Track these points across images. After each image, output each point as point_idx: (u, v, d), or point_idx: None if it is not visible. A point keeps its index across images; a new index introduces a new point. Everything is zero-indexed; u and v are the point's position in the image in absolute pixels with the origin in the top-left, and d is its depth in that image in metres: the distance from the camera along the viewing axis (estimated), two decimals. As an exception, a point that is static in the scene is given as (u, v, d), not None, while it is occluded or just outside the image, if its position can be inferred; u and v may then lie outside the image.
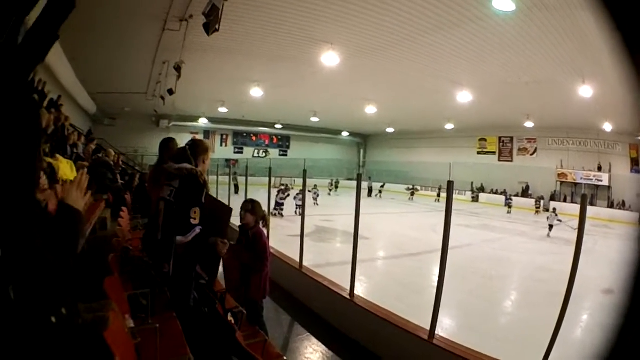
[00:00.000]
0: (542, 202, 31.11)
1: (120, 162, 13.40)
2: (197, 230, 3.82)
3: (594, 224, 23.65)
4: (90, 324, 2.21)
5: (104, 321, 2.32)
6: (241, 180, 14.31)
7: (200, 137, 35.13)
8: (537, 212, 29.61)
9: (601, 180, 30.57)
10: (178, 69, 16.18)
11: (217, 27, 10.12)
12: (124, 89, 23.14)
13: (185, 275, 3.89)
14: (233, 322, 4.16)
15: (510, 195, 33.71)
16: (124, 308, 3.27)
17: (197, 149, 4.05)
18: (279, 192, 19.44)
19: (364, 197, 30.40)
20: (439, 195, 33.55)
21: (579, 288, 8.70)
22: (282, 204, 19.59)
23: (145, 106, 27.09)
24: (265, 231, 5.27)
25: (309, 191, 19.06)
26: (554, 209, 20.86)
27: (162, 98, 20.81)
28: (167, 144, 5.21)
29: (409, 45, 16.30)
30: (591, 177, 31.06)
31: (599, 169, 30.66)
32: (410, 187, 36.22)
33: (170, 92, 19.06)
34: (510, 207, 30.80)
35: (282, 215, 19.15)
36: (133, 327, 3.23)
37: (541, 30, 14.10)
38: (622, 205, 28.69)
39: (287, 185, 21.39)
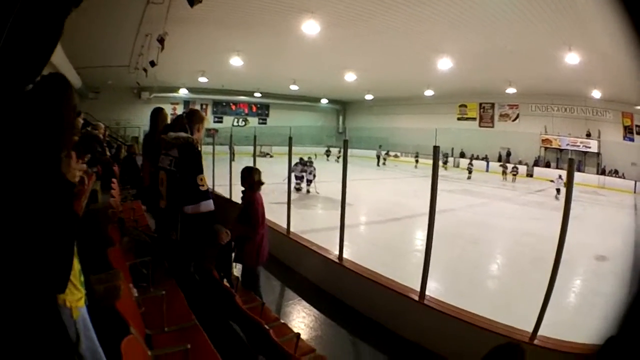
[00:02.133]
0: (508, 166, 30.66)
1: (106, 135, 13.51)
2: (211, 206, 4.01)
3: (583, 190, 23.99)
4: (103, 296, 2.38)
5: (116, 291, 2.49)
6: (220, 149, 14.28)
7: (180, 107, 35.77)
8: (504, 176, 29.47)
9: (589, 147, 30.85)
10: (161, 40, 16.22)
11: None
12: (108, 62, 23.09)
13: (191, 244, 4.09)
14: (229, 287, 4.35)
15: (471, 160, 33.89)
16: (127, 278, 3.41)
17: (193, 117, 4.26)
18: (297, 164, 18.27)
19: (368, 167, 30.94)
20: (417, 162, 33.86)
21: (569, 254, 9.09)
22: (302, 177, 18.63)
23: (127, 79, 27.11)
24: (261, 197, 5.32)
25: (305, 164, 18.51)
26: (560, 175, 21.45)
27: (145, 70, 21.03)
28: (158, 114, 5.33)
29: (391, 13, 16.45)
30: (578, 144, 31.26)
31: (588, 135, 30.89)
32: (383, 152, 36.98)
33: (152, 63, 19.32)
34: (470, 172, 31.02)
35: (307, 190, 18.45)
36: (137, 296, 3.40)
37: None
38: (615, 173, 29.13)
39: (309, 158, 19.66)
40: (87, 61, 21.62)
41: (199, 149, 4.17)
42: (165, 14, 14.97)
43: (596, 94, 27.02)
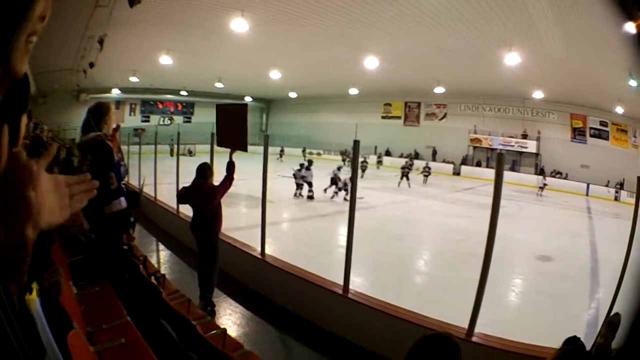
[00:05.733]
0: (412, 164, 27.40)
1: (49, 138, 13.60)
2: (123, 204, 4.28)
3: (517, 190, 25.29)
4: (48, 290, 2.62)
5: (58, 287, 2.74)
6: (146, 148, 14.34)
7: (113, 107, 35.64)
8: (403, 175, 24.48)
9: (526, 147, 32.33)
10: (101, 42, 16.98)
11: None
12: (56, 67, 23.14)
13: (111, 244, 4.35)
14: (157, 284, 4.66)
15: (380, 154, 36.46)
16: (67, 275, 3.65)
17: (97, 113, 4.42)
18: (301, 168, 18.01)
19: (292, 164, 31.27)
20: (343, 161, 33.57)
21: (506, 251, 9.80)
22: (304, 182, 17.95)
23: (69, 82, 27.56)
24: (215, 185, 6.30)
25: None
26: (544, 174, 24.99)
27: (84, 72, 21.90)
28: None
29: (318, 12, 17.01)
30: (513, 144, 32.68)
31: (524, 136, 32.34)
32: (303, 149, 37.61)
33: (91, 65, 20.20)
34: (380, 163, 33.22)
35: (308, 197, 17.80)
36: (76, 292, 3.66)
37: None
38: (558, 174, 30.44)
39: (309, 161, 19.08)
40: (40, 66, 21.65)
41: (109, 145, 4.32)
42: (109, 15, 15.45)
43: (538, 94, 28.31)
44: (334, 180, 18.01)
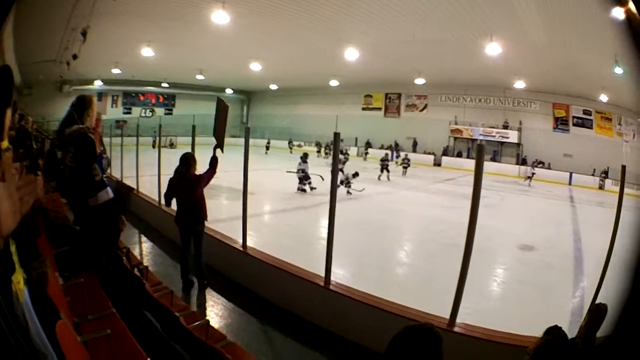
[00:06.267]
0: (390, 155, 29.37)
1: (34, 129, 13.65)
2: (110, 193, 4.36)
3: (498, 180, 25.56)
4: (35, 281, 2.68)
5: (45, 277, 2.80)
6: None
7: (95, 100, 35.98)
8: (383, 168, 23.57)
9: (507, 137, 32.66)
10: (84, 33, 17.26)
11: None
12: (40, 58, 23.36)
13: (97, 235, 4.41)
14: (140, 275, 4.70)
15: (367, 146, 37.09)
16: (53, 266, 3.71)
17: (79, 107, 4.56)
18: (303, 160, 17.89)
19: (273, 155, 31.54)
20: (319, 152, 34.68)
21: (488, 241, 9.89)
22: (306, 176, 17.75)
23: (53, 73, 27.87)
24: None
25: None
26: (532, 163, 26.28)
27: (67, 63, 22.19)
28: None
29: (299, 4, 17.26)
30: (494, 134, 33.00)
31: (505, 126, 32.67)
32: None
33: (75, 56, 20.55)
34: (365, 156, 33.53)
35: (305, 190, 17.56)
36: (62, 284, 3.72)
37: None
38: (540, 164, 30.30)
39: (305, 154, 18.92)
40: (26, 57, 21.57)
41: (91, 137, 4.42)
42: (92, 7, 15.64)
43: (520, 84, 28.44)
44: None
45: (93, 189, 4.35)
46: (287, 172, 17.96)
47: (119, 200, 4.74)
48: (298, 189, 17.62)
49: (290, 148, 38.73)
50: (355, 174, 17.71)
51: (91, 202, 4.35)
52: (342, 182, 17.26)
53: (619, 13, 7.45)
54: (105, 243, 4.69)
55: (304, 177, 17.65)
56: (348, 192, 17.27)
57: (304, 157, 18.11)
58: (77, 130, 4.34)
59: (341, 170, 17.39)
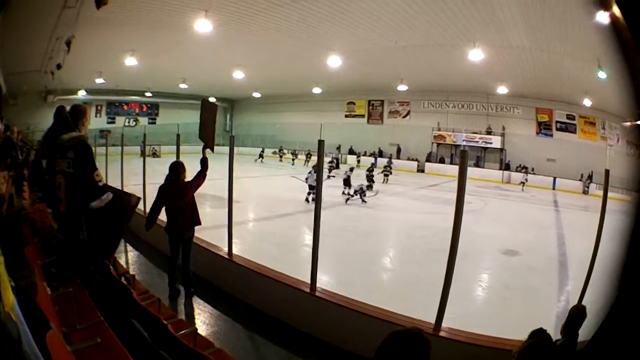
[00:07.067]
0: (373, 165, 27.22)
1: (19, 139, 13.62)
2: (111, 196, 4.44)
3: (482, 185, 25.83)
4: (25, 291, 2.71)
5: (34, 286, 2.82)
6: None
7: (88, 110, 36.09)
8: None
9: (490, 143, 32.86)
10: (68, 43, 17.08)
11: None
12: (25, 68, 23.20)
13: (101, 237, 4.49)
14: (127, 284, 4.73)
15: (359, 154, 37.47)
16: (41, 276, 3.72)
17: (76, 114, 4.70)
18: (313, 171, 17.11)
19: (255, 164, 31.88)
20: (293, 160, 35.32)
21: (473, 246, 9.98)
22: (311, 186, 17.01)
23: (38, 83, 27.86)
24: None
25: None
26: (525, 169, 27.18)
27: (52, 73, 21.92)
28: (61, 112, 5.55)
29: (280, 11, 17.26)
30: (477, 139, 33.18)
31: (488, 132, 32.86)
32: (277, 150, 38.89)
33: (59, 66, 20.29)
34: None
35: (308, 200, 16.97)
36: (50, 293, 3.74)
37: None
38: (523, 169, 30.62)
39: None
40: (10, 67, 21.63)
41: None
42: (76, 17, 15.51)
43: (502, 89, 28.63)
44: (347, 182, 18.36)
45: (96, 194, 4.50)
46: (292, 177, 18.05)
47: (119, 200, 4.84)
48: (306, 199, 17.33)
49: (280, 156, 38.81)
50: (368, 185, 18.60)
51: (94, 206, 4.47)
52: (356, 192, 17.82)
53: (603, 17, 7.60)
54: (107, 243, 4.90)
55: (310, 187, 17.29)
56: (363, 200, 17.68)
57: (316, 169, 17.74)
58: (77, 137, 4.46)
59: (329, 177, 18.03)
